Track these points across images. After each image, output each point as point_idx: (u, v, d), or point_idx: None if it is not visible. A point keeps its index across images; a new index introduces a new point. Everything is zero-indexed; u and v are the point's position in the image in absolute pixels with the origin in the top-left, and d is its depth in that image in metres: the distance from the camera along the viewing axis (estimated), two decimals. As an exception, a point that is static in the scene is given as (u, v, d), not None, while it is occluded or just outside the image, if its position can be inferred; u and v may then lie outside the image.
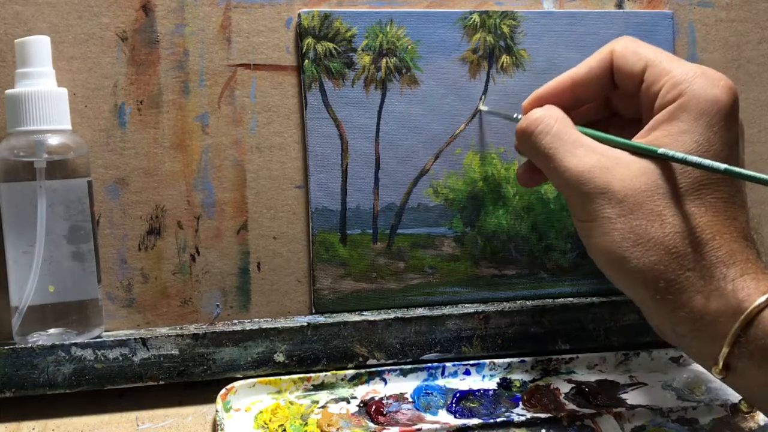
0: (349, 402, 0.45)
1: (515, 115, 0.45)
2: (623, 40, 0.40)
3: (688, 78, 0.35)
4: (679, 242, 0.33)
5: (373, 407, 0.44)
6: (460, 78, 0.50)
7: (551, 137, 0.38)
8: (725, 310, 0.33)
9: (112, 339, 0.45)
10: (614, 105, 0.44)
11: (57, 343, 0.44)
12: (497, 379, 0.48)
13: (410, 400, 0.46)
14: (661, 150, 0.34)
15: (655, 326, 0.37)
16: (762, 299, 0.32)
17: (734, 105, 0.34)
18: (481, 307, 0.50)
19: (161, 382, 0.46)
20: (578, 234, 0.38)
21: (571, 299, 0.52)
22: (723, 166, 0.32)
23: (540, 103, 0.42)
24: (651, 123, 0.36)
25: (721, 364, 0.33)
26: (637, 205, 0.34)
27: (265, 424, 0.42)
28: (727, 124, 0.34)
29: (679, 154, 0.33)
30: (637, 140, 0.36)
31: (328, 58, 0.48)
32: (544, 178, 0.42)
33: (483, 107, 0.47)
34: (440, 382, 0.47)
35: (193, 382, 0.47)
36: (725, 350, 0.33)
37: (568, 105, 0.41)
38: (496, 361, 0.48)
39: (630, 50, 0.39)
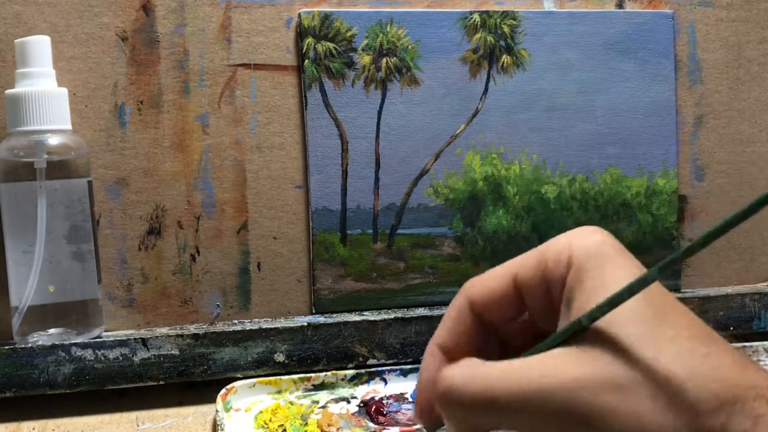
0: (349, 402, 0.45)
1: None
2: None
3: (564, 240, 0.28)
4: None
5: (373, 407, 0.44)
6: (460, 78, 0.50)
7: (482, 376, 0.25)
8: None
9: (112, 339, 0.45)
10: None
11: (57, 343, 0.44)
12: (497, 379, 0.48)
13: (410, 400, 0.46)
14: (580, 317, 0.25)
15: None
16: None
17: (612, 239, 0.29)
18: (481, 307, 0.50)
19: (161, 382, 0.46)
20: None
21: (571, 299, 0.52)
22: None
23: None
24: (565, 300, 0.28)
25: None
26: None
27: (265, 424, 0.42)
28: (621, 254, 0.29)
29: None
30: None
31: (328, 58, 0.48)
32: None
33: None
34: (440, 382, 0.47)
35: (193, 382, 0.47)
36: None
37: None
38: (496, 361, 0.48)
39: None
